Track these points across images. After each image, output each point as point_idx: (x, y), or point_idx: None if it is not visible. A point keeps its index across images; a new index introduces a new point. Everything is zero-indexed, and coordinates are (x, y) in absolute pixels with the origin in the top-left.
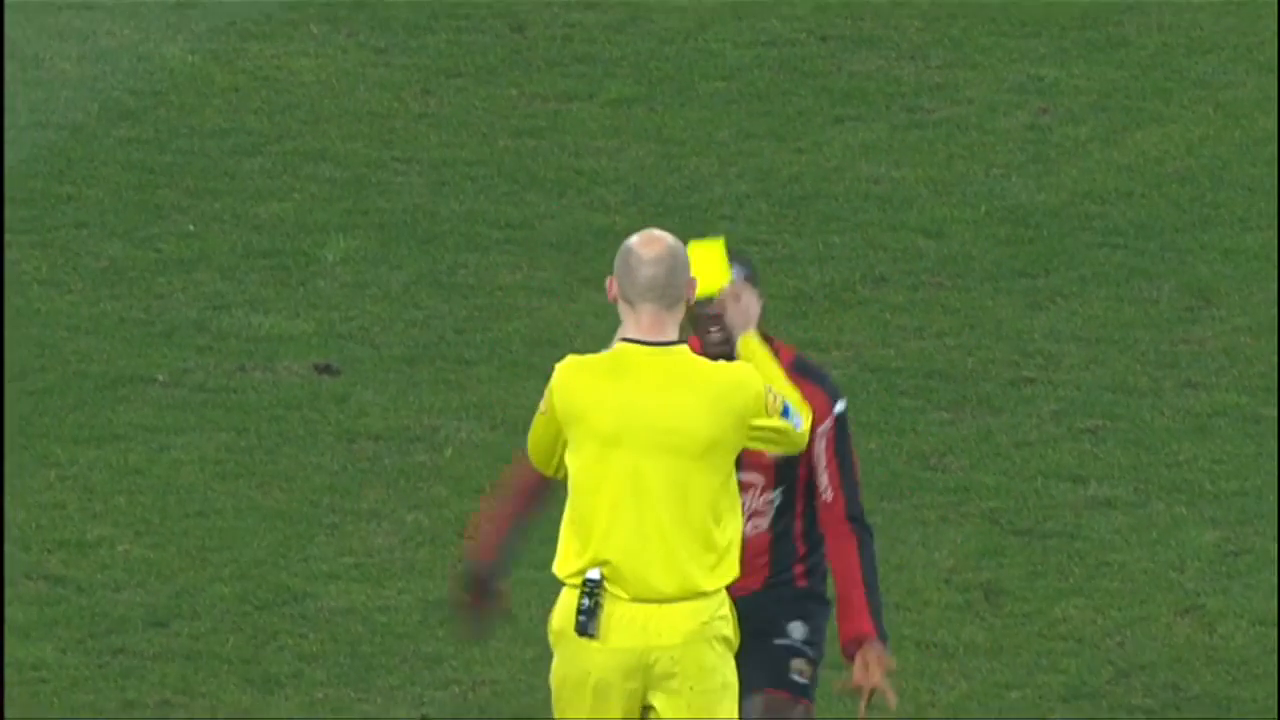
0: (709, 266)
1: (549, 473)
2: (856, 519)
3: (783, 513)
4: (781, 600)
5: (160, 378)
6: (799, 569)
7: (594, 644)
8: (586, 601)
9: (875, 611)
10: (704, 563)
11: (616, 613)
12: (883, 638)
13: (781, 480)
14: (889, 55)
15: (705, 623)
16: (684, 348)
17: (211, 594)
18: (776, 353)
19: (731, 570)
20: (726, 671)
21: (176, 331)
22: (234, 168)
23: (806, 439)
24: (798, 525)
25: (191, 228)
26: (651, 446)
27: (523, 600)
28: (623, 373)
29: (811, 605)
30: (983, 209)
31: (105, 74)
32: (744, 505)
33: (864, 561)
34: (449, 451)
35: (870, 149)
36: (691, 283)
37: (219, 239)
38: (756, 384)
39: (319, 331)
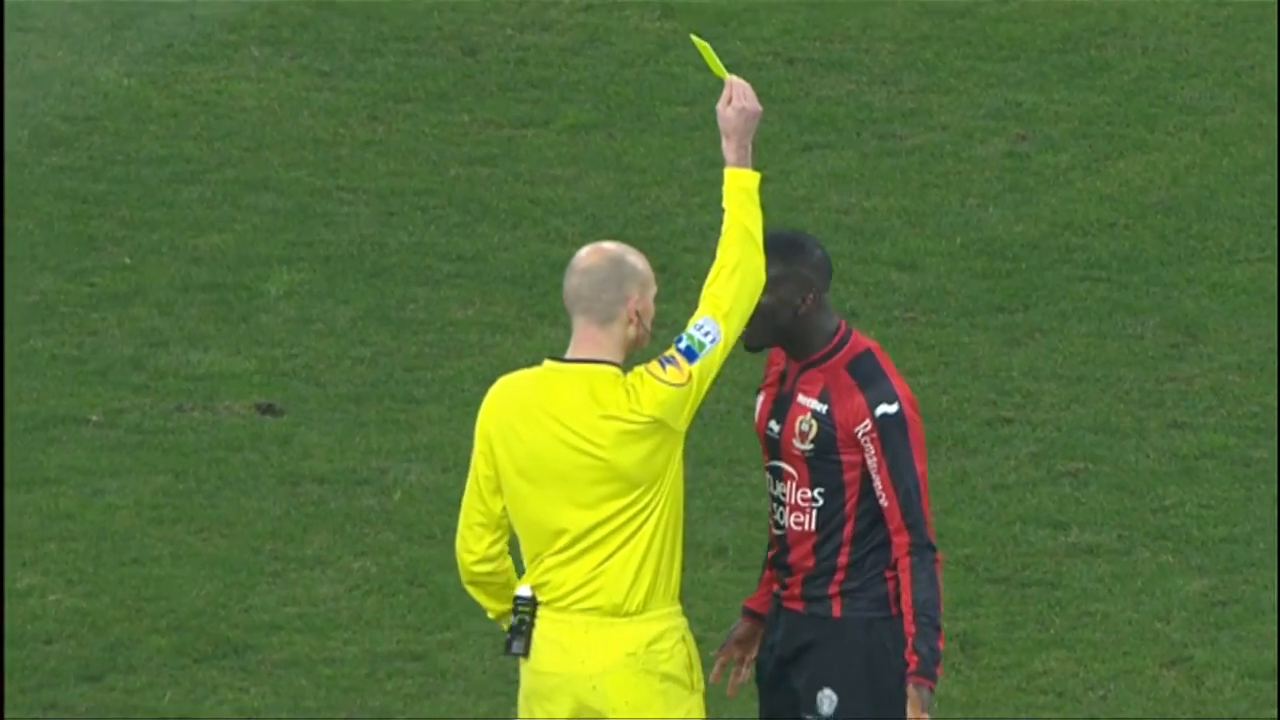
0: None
1: (486, 541)
2: (915, 529)
3: (828, 516)
4: (818, 641)
5: (94, 418)
6: (835, 587)
7: (525, 664)
8: (514, 619)
9: (920, 641)
10: (627, 576)
11: (542, 633)
12: (924, 674)
13: (819, 480)
14: (859, 79)
15: (632, 653)
16: (603, 366)
17: (148, 646)
18: (840, 344)
19: (664, 597)
20: (668, 713)
21: (111, 369)
22: (172, 197)
23: (735, 333)
24: (845, 532)
25: (127, 260)
26: (569, 468)
27: (475, 653)
28: (539, 393)
29: (847, 657)
30: (958, 240)
31: (36, 99)
32: (783, 494)
33: (915, 584)
34: (398, 495)
35: (840, 178)
36: (633, 300)
37: (156, 272)
38: (646, 380)
39: (261, 369)
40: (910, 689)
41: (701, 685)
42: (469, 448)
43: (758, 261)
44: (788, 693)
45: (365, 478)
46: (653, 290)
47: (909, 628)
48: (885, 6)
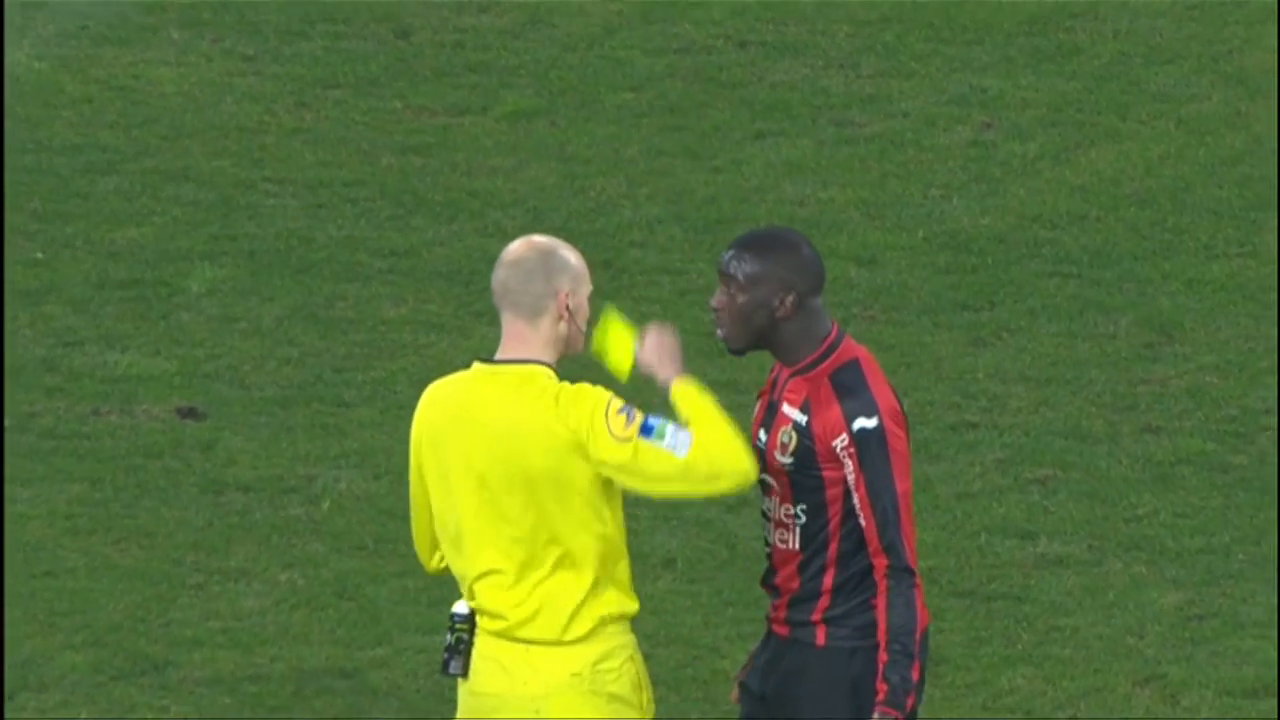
0: (614, 344)
1: (438, 556)
2: (891, 551)
3: (811, 535)
4: (800, 669)
5: (4, 422)
6: (819, 614)
7: (464, 685)
8: (450, 638)
9: (891, 670)
10: (568, 602)
11: (481, 652)
12: (892, 704)
13: (801, 496)
14: (815, 64)
15: (577, 673)
16: (542, 370)
17: (62, 663)
18: (829, 351)
19: (615, 606)
20: None
21: (23, 371)
22: (86, 188)
23: (705, 469)
24: (830, 552)
25: (39, 255)
26: (497, 480)
27: (408, 670)
28: (472, 400)
29: (830, 688)
30: (920, 234)
31: None
32: (769, 510)
33: (891, 610)
34: (326, 504)
35: (795, 167)
36: (563, 294)
37: (70, 267)
38: (590, 400)
39: (182, 371)
40: (878, 718)
41: (651, 708)
42: (402, 453)
43: (744, 464)
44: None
45: (292, 485)
46: (586, 288)
47: (882, 655)
48: None
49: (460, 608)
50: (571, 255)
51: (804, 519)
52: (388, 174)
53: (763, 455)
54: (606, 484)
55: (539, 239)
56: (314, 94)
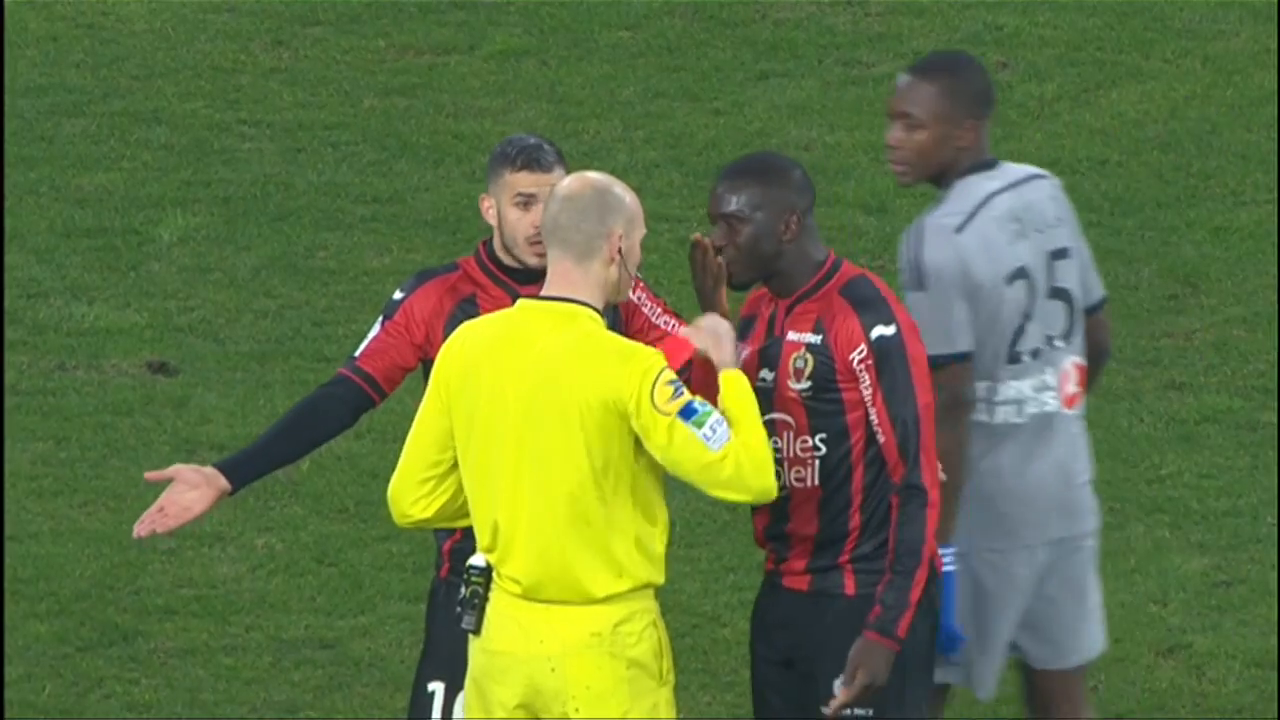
0: None
1: (424, 509)
2: (909, 463)
3: (832, 467)
4: (833, 625)
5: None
6: (845, 555)
7: (476, 642)
8: (464, 591)
9: (890, 590)
10: (595, 562)
11: (497, 608)
12: (882, 629)
13: (819, 424)
14: (821, 0)
15: (597, 633)
16: (585, 311)
17: (25, 633)
18: (831, 271)
19: (643, 573)
20: (633, 704)
21: None
22: (52, 131)
23: (730, 473)
24: (854, 483)
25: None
26: (533, 424)
27: (391, 640)
28: (512, 335)
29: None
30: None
31: None
32: (779, 449)
33: (900, 524)
34: (305, 465)
35: (800, 109)
36: (616, 235)
37: (34, 215)
38: (645, 363)
39: (153, 324)
40: (860, 644)
41: (672, 678)
42: (385, 412)
43: (751, 483)
44: (797, 684)
45: None
46: (640, 231)
47: (885, 572)
48: None
49: (478, 560)
50: (627, 195)
51: (823, 449)
52: (370, 116)
53: (770, 394)
54: (638, 460)
55: (595, 175)
56: (292, 31)
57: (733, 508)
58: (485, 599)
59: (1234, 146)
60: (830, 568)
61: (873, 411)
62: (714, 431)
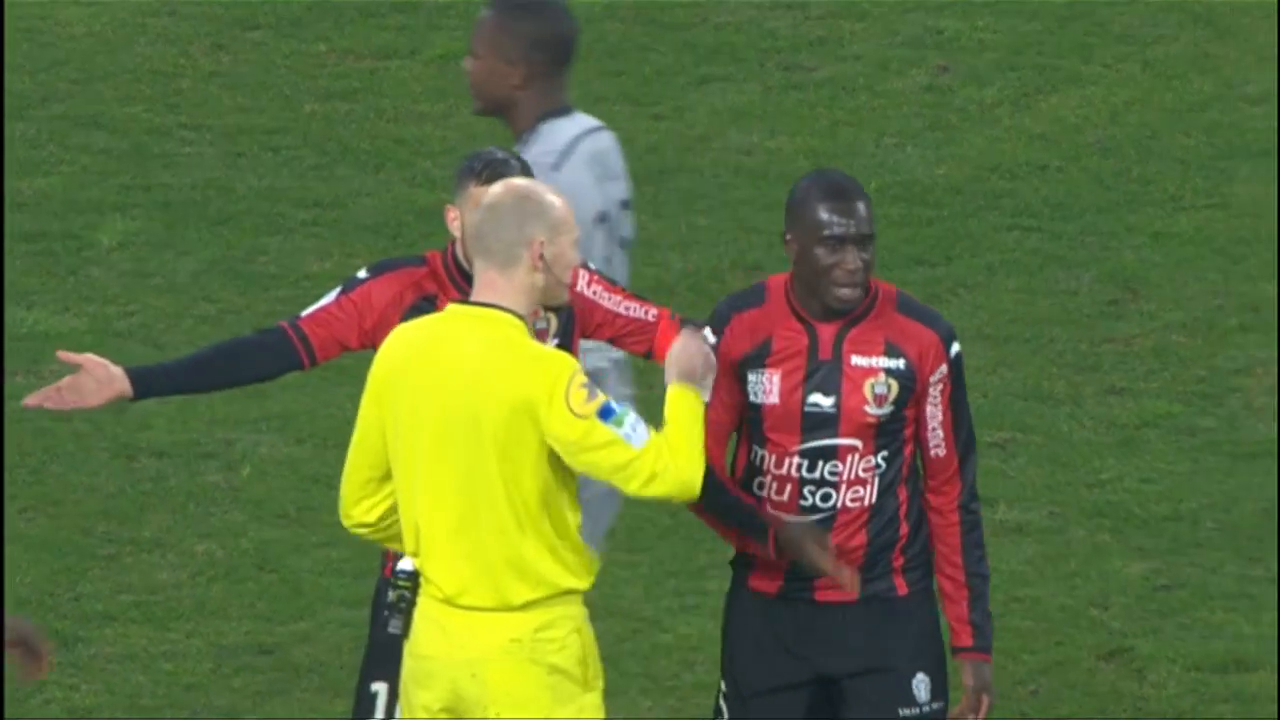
0: None
1: (367, 504)
2: (967, 480)
3: (887, 482)
4: (892, 625)
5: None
6: (899, 562)
7: (407, 647)
8: (391, 595)
9: (976, 609)
10: (511, 569)
11: (423, 613)
12: (984, 648)
13: (885, 443)
14: (762, 4)
15: (516, 639)
16: (507, 317)
17: None
18: (876, 294)
19: (561, 580)
20: (554, 710)
21: None
22: None
23: (651, 468)
24: (901, 495)
25: None
26: (450, 431)
27: (332, 645)
28: (436, 340)
29: (926, 632)
30: (873, 185)
31: None
32: (835, 473)
33: (969, 542)
34: (246, 470)
35: (741, 114)
36: (537, 243)
37: None
38: (556, 366)
39: (93, 329)
40: (972, 669)
41: (600, 683)
42: (326, 417)
43: (685, 482)
44: (866, 694)
45: (210, 450)
46: (569, 235)
47: (959, 592)
48: None
49: (406, 564)
50: (554, 200)
51: (883, 466)
52: (311, 120)
53: (832, 420)
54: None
55: (519, 183)
56: (233, 35)
57: (674, 512)
58: (412, 604)
59: (1173, 151)
60: (883, 575)
61: (938, 429)
62: (634, 430)
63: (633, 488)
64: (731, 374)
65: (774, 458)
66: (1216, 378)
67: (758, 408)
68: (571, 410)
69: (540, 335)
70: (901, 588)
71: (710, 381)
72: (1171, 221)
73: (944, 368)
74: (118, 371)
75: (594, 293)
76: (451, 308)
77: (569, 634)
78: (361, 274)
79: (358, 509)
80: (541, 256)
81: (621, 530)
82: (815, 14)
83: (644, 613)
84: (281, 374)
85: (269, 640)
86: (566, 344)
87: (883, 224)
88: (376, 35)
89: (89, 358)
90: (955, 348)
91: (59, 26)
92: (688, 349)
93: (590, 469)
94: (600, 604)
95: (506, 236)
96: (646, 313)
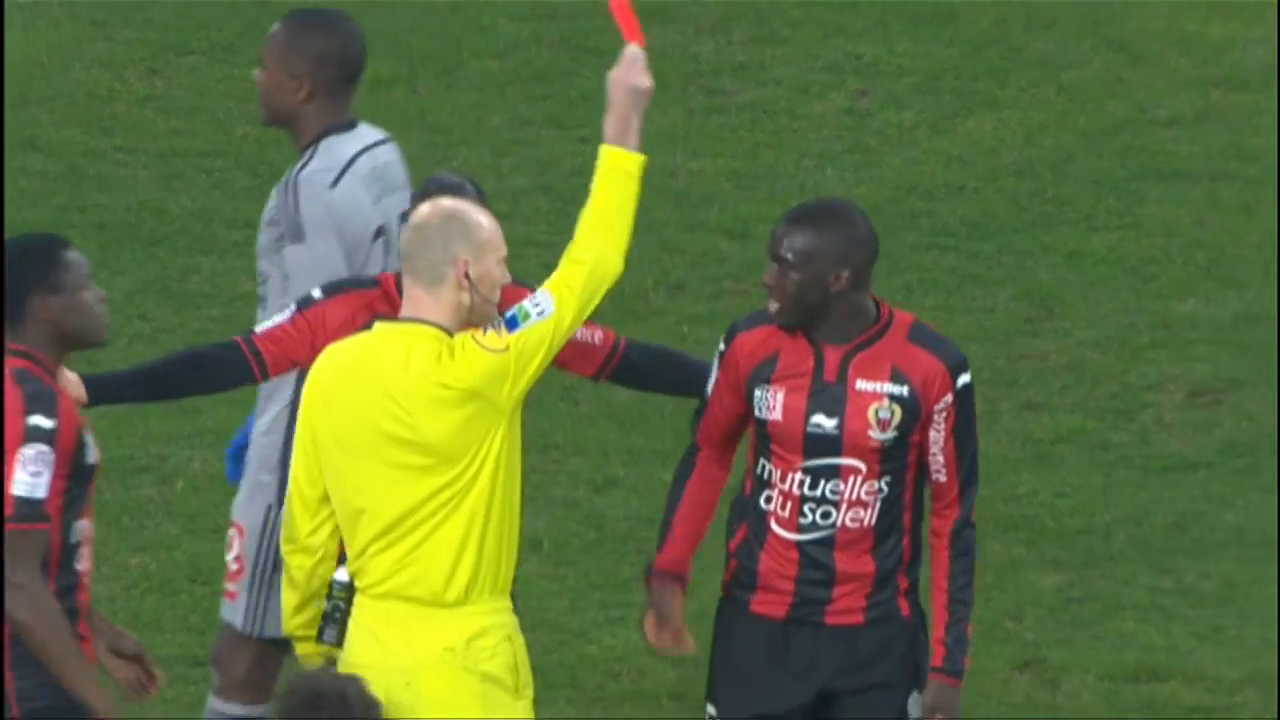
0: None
1: (311, 525)
2: (966, 504)
3: (889, 504)
4: (894, 645)
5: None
6: (903, 585)
7: (340, 657)
8: (328, 604)
9: (952, 631)
10: (444, 568)
11: (357, 621)
12: (952, 671)
13: (888, 468)
14: (685, 30)
15: (450, 647)
16: (433, 331)
17: None
18: (890, 318)
19: (489, 589)
20: (487, 718)
21: None
22: None
23: (572, 315)
24: (905, 521)
25: None
26: (390, 441)
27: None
28: (366, 356)
29: (923, 654)
30: (793, 205)
31: None
32: (841, 493)
33: (957, 564)
34: (180, 484)
35: (664, 137)
36: (462, 262)
37: None
38: (460, 342)
39: None
40: (934, 688)
41: (529, 691)
42: None
43: (612, 253)
44: (859, 709)
45: (144, 465)
46: (495, 254)
47: (939, 615)
48: None
49: (340, 575)
50: (481, 219)
51: (885, 490)
52: (243, 143)
53: (834, 441)
54: (499, 452)
55: (445, 203)
56: (166, 60)
57: (600, 525)
58: (346, 614)
59: (1087, 173)
60: (888, 599)
61: (940, 454)
62: (539, 306)
63: (578, 322)
64: (739, 386)
65: (779, 472)
66: (1129, 394)
67: (763, 423)
68: (494, 352)
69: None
70: (904, 609)
71: (645, 102)
72: (1085, 241)
73: (949, 397)
74: (76, 380)
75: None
76: (379, 325)
77: (500, 642)
78: (316, 293)
79: (305, 531)
80: (467, 275)
81: (548, 544)
82: (737, 39)
83: (570, 625)
84: (234, 387)
85: (202, 652)
86: None
87: None
88: None
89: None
90: (963, 379)
91: None
92: (626, 80)
93: (549, 362)
94: (527, 616)
95: (432, 255)
96: (593, 336)
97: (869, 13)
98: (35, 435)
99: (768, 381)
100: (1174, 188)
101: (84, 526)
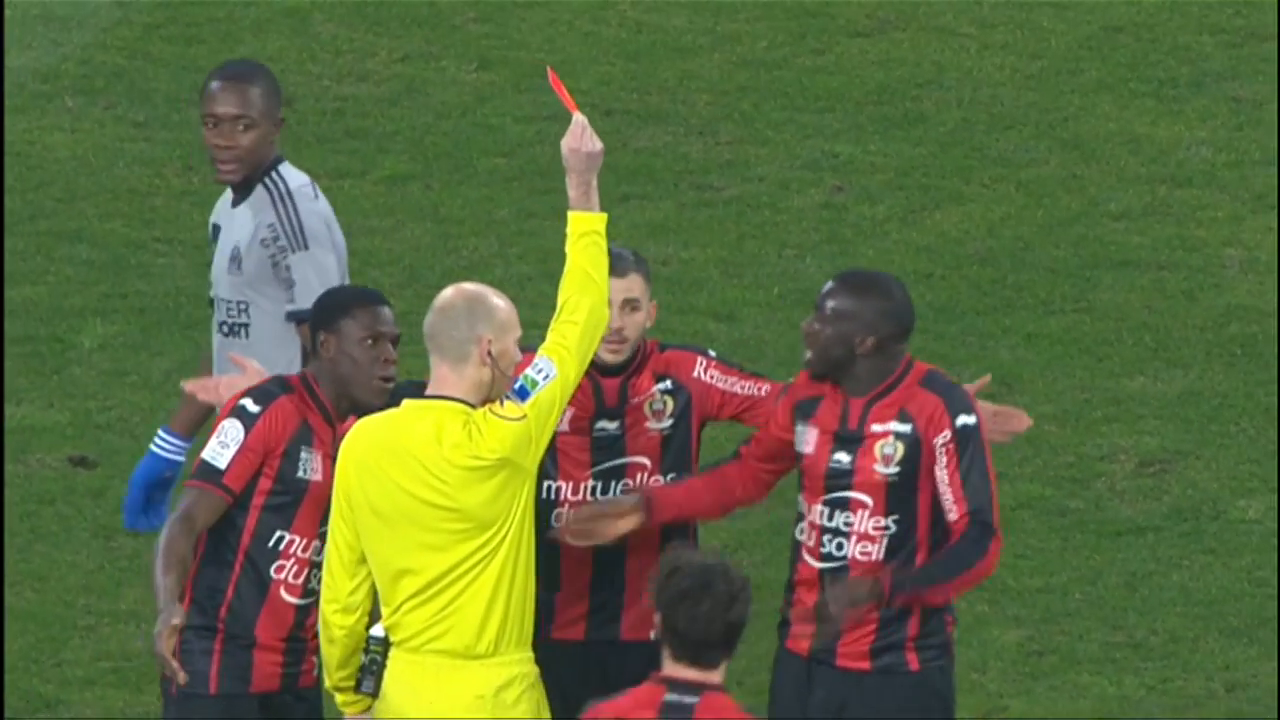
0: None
1: (349, 587)
2: (979, 514)
3: (899, 544)
4: (896, 702)
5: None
6: (912, 634)
7: (375, 707)
8: (365, 658)
9: (904, 578)
10: (475, 622)
11: (392, 674)
12: (890, 583)
13: (896, 506)
14: (676, 131)
15: (480, 696)
16: (450, 405)
17: None
18: (906, 371)
19: (515, 640)
20: None
21: None
22: None
23: (575, 371)
24: (917, 562)
25: None
26: (413, 512)
27: None
28: (392, 432)
29: (933, 713)
30: (775, 291)
31: None
32: (847, 523)
33: (952, 551)
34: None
35: (657, 229)
36: (485, 341)
37: None
38: (481, 415)
39: (75, 422)
40: (856, 579)
41: None
42: None
43: (600, 306)
44: None
45: None
46: (513, 334)
47: (921, 566)
48: (702, 58)
49: (377, 630)
50: (500, 302)
51: (894, 529)
52: None
53: (847, 474)
54: (523, 510)
55: (469, 286)
56: (202, 158)
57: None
58: (383, 666)
59: (1044, 261)
60: (894, 647)
61: (948, 492)
62: (543, 373)
63: (580, 377)
64: (789, 410)
65: (807, 504)
66: (1083, 464)
67: (800, 457)
68: (514, 421)
69: (657, 416)
70: (913, 664)
71: (599, 163)
72: (1043, 324)
73: (947, 433)
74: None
75: (710, 377)
76: (407, 403)
77: (525, 690)
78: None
79: (346, 590)
80: (489, 353)
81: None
82: (724, 140)
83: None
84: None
85: None
86: (684, 426)
87: (784, 326)
88: (331, 158)
89: (252, 364)
90: (963, 419)
91: (44, 150)
92: (579, 150)
93: (558, 418)
94: None
95: (458, 335)
96: (759, 389)
97: (845, 115)
98: (238, 413)
99: (807, 419)
100: (1124, 275)
101: (291, 540)
